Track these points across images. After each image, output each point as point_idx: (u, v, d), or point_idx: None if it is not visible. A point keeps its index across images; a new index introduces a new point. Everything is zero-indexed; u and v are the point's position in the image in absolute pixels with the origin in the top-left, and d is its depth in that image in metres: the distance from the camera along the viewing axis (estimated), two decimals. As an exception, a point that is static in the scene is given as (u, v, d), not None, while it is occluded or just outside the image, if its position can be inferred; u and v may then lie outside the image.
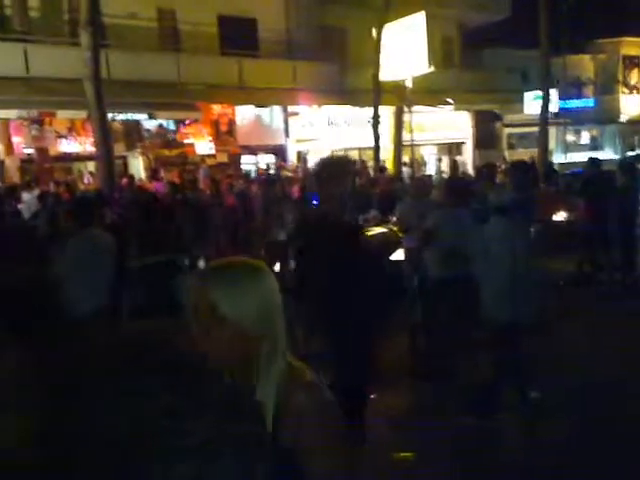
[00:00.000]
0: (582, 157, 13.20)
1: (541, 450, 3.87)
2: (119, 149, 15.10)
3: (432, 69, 16.93)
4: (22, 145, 15.44)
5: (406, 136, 17.22)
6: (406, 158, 18.45)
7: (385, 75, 16.42)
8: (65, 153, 16.12)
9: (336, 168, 3.59)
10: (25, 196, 10.54)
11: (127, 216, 5.91)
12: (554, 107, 21.36)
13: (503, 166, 15.00)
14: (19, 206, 9.39)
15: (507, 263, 4.03)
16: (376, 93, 16.26)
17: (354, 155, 19.97)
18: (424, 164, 22.01)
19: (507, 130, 25.90)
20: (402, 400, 4.83)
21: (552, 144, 22.75)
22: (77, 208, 4.72)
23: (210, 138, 17.92)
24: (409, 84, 16.23)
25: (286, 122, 19.53)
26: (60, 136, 16.00)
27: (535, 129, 20.23)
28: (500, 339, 4.12)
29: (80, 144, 16.05)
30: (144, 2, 16.51)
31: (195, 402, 0.55)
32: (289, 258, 8.29)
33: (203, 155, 17.79)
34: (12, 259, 4.68)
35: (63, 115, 15.02)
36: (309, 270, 3.40)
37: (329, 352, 3.15)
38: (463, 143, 24.26)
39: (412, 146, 16.61)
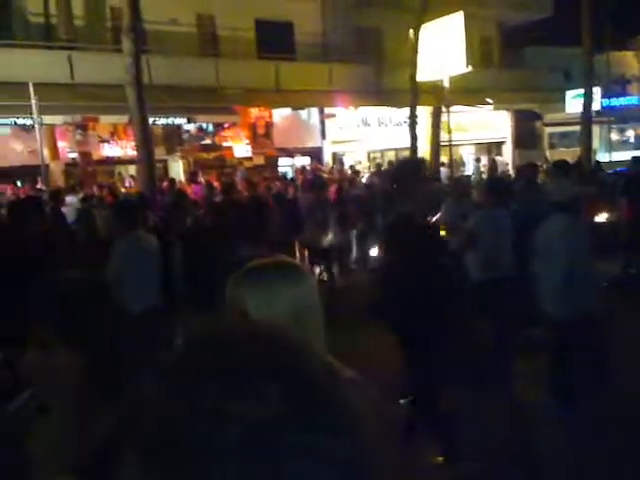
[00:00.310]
0: (627, 156, 12.82)
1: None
2: (159, 153, 15.41)
3: (470, 69, 16.71)
4: (67, 149, 15.93)
5: (444, 136, 17.05)
6: (444, 158, 18.26)
7: (422, 75, 16.30)
8: (107, 157, 16.55)
9: (412, 169, 3.66)
10: (69, 199, 10.85)
11: (169, 219, 6.03)
12: (597, 105, 20.80)
13: (544, 166, 14.69)
14: (63, 209, 9.67)
15: (567, 260, 3.94)
16: (413, 93, 16.16)
17: (390, 156, 19.90)
18: (463, 164, 21.76)
19: (548, 129, 25.33)
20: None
21: (595, 143, 22.15)
22: (123, 211, 4.81)
23: (247, 141, 18.12)
24: (447, 84, 16.06)
25: (322, 124, 19.60)
26: (103, 140, 16.44)
27: (577, 128, 19.76)
28: (559, 337, 4.03)
29: (122, 148, 16.45)
30: (184, 8, 16.83)
31: (306, 413, 0.52)
32: (333, 261, 8.34)
33: (241, 158, 18.01)
34: (57, 262, 4.84)
35: (106, 120, 15.44)
36: (397, 269, 3.50)
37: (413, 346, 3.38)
38: (503, 143, 23.88)
39: (450, 146, 16.41)
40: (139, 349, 1.54)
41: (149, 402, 0.55)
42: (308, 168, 17.02)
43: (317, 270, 8.00)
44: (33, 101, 11.97)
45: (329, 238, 7.92)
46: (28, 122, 13.16)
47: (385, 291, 3.65)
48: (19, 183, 14.23)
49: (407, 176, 3.58)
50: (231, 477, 0.48)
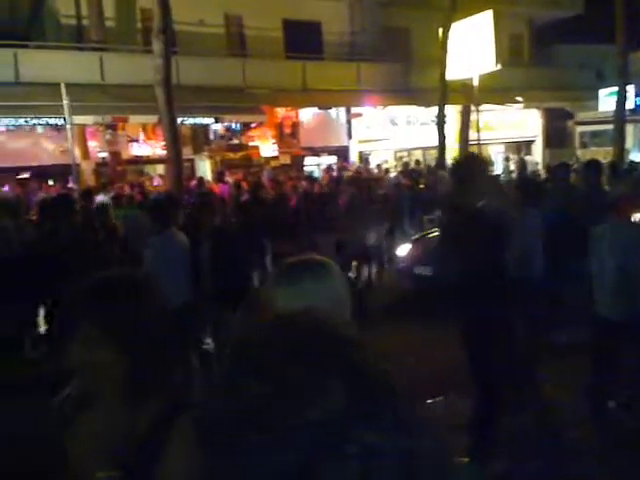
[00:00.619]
0: (662, 155, 12.51)
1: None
2: (187, 152, 15.56)
3: (499, 67, 16.51)
4: (97, 149, 16.19)
5: (472, 135, 16.85)
6: (472, 158, 18.03)
7: (452, 74, 16.14)
8: (136, 156, 16.78)
9: (474, 166, 3.69)
10: (100, 198, 11.00)
11: (197, 217, 6.06)
12: (630, 104, 20.31)
13: (575, 165, 14.40)
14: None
15: (618, 261, 3.86)
16: (442, 92, 16.01)
17: (417, 155, 19.75)
18: (491, 164, 21.46)
19: (579, 128, 24.82)
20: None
21: (629, 142, 21.64)
22: (157, 209, 4.94)
23: (274, 140, 18.18)
24: (476, 82, 15.87)
25: (349, 123, 19.55)
26: (132, 140, 16.68)
27: (609, 127, 19.32)
28: (608, 338, 3.95)
29: (151, 148, 16.66)
30: (212, 9, 16.97)
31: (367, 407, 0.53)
32: (373, 262, 8.30)
33: (267, 157, 18.07)
34: (92, 259, 4.93)
35: (135, 120, 15.63)
36: (460, 263, 3.64)
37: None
38: (532, 142, 23.51)
39: (479, 145, 16.22)
40: (176, 345, 1.54)
41: (226, 387, 0.57)
42: (334, 167, 16.98)
43: (356, 269, 7.91)
44: (65, 101, 12.18)
45: (371, 236, 7.89)
46: (60, 122, 13.41)
47: (455, 288, 3.72)
48: (51, 182, 14.51)
49: (473, 171, 3.64)
50: (291, 465, 0.50)
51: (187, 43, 15.43)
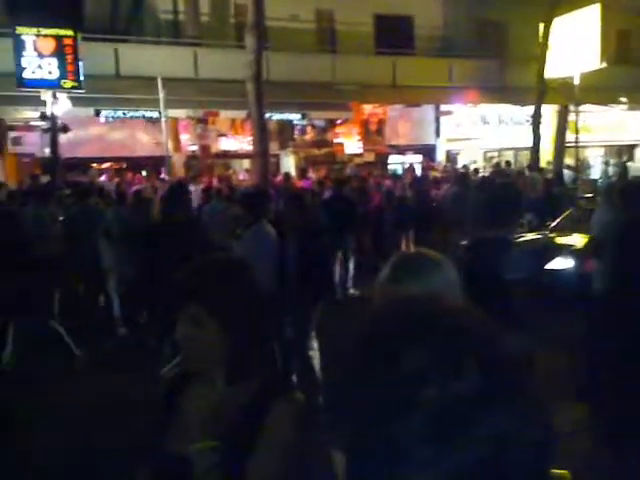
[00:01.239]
0: None
1: None
2: (273, 147, 15.70)
3: (604, 65, 15.47)
4: (188, 142, 16.69)
5: (569, 137, 15.93)
6: (568, 160, 17.06)
7: (551, 71, 15.31)
8: (224, 151, 17.15)
9: None
10: (191, 188, 11.28)
11: (283, 211, 6.07)
12: None
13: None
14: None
15: None
16: (540, 91, 15.22)
17: (508, 156, 18.92)
18: (588, 167, 20.22)
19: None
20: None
21: None
22: (251, 202, 5.07)
23: (359, 137, 18.00)
24: (577, 81, 14.96)
25: (437, 121, 19.04)
26: (221, 134, 17.05)
27: None
28: None
29: (238, 142, 16.96)
30: (304, 4, 17.02)
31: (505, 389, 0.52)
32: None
33: (351, 154, 17.93)
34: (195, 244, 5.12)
35: (225, 115, 15.97)
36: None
37: None
38: (636, 146, 21.92)
39: (576, 148, 15.30)
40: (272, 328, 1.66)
41: (348, 362, 0.57)
42: (418, 166, 16.56)
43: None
44: (161, 95, 12.59)
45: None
46: (155, 115, 13.90)
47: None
48: (144, 173, 15.09)
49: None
50: (416, 439, 0.50)
51: (278, 38, 15.54)
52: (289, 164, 17.64)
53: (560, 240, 7.78)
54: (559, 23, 15.51)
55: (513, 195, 3.38)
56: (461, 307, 0.62)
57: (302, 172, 15.91)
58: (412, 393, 0.51)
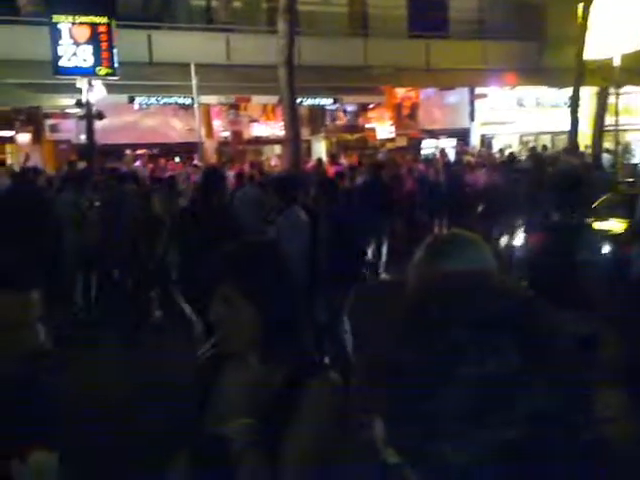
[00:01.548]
0: None
1: None
2: (304, 133, 15.63)
3: (647, 45, 14.90)
4: (220, 128, 16.77)
5: (609, 120, 15.43)
6: (607, 144, 16.55)
7: (590, 53, 14.82)
8: (256, 136, 17.18)
9: None
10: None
11: (315, 196, 6.05)
12: None
13: None
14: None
15: None
16: (578, 73, 14.75)
17: (545, 140, 18.45)
18: (629, 152, 19.58)
19: None
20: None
21: None
22: (284, 188, 5.07)
23: (391, 122, 17.77)
24: (617, 63, 14.44)
25: (472, 104, 18.67)
26: (252, 120, 17.08)
27: None
28: None
29: (270, 128, 16.96)
30: (337, -13, 16.81)
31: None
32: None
33: (383, 139, 17.74)
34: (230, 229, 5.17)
35: (257, 100, 15.96)
36: None
37: None
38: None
39: (616, 132, 14.81)
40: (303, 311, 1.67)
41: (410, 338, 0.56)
42: (450, 150, 16.27)
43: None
44: (194, 81, 12.64)
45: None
46: (187, 101, 13.97)
47: None
48: (177, 159, 15.24)
49: None
50: (453, 415, 0.50)
51: (310, 23, 15.41)
52: (321, 149, 17.57)
53: (597, 225, 7.60)
54: (599, 3, 14.99)
55: (585, 180, 3.34)
56: (506, 287, 0.61)
57: (333, 157, 15.83)
58: (450, 369, 0.51)
